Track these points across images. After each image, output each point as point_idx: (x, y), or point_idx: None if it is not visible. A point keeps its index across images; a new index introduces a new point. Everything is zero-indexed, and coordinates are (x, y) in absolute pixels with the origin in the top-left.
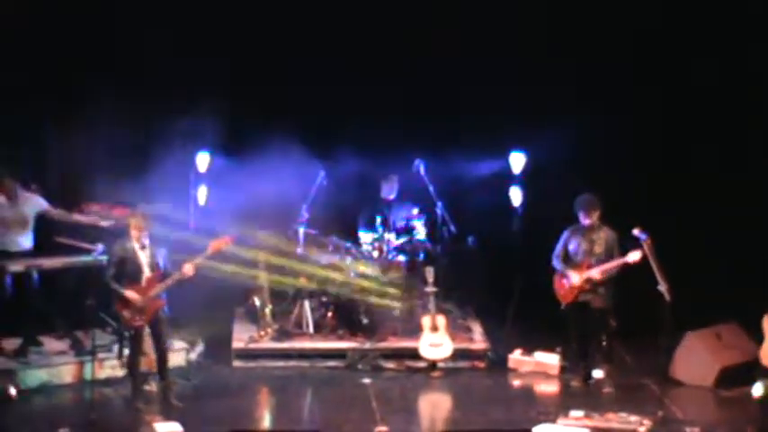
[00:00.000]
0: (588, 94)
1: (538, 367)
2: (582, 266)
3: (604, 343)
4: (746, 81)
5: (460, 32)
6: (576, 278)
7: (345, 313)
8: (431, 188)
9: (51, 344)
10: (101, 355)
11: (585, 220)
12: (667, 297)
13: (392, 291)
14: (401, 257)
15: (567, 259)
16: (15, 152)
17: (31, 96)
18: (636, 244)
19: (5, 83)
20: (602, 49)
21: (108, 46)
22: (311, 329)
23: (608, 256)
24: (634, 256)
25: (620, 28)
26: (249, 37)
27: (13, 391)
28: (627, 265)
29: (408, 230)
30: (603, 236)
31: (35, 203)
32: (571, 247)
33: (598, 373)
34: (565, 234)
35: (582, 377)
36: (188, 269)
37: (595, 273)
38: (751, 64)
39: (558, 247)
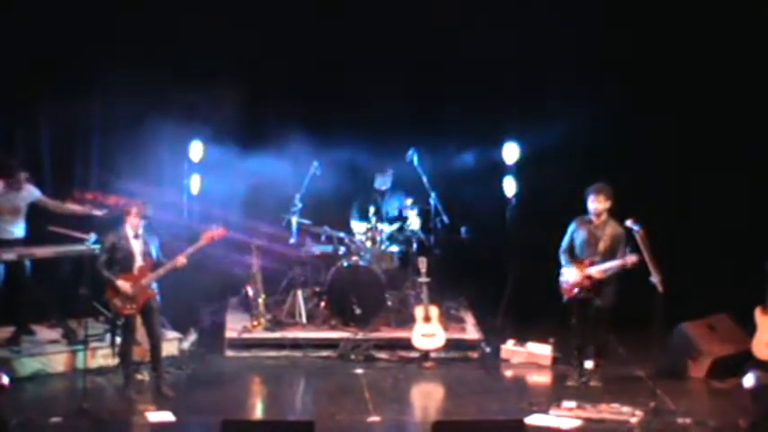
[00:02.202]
0: (582, 85)
1: (530, 358)
2: (584, 263)
3: (599, 340)
4: (746, 76)
5: (456, 25)
6: (574, 274)
7: (338, 303)
8: (424, 178)
9: (44, 333)
10: (93, 345)
11: (595, 204)
12: (660, 288)
13: None
14: (394, 248)
15: (572, 252)
16: (8, 140)
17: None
18: (629, 235)
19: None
20: (598, 37)
21: (107, 32)
22: (304, 319)
23: (612, 254)
24: (632, 259)
25: (619, 16)
26: (246, 27)
27: (5, 379)
28: (625, 267)
29: (401, 221)
30: (609, 232)
31: (28, 193)
32: (577, 240)
33: (588, 364)
34: (572, 226)
35: (577, 375)
36: (181, 260)
37: (594, 271)
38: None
39: (565, 241)
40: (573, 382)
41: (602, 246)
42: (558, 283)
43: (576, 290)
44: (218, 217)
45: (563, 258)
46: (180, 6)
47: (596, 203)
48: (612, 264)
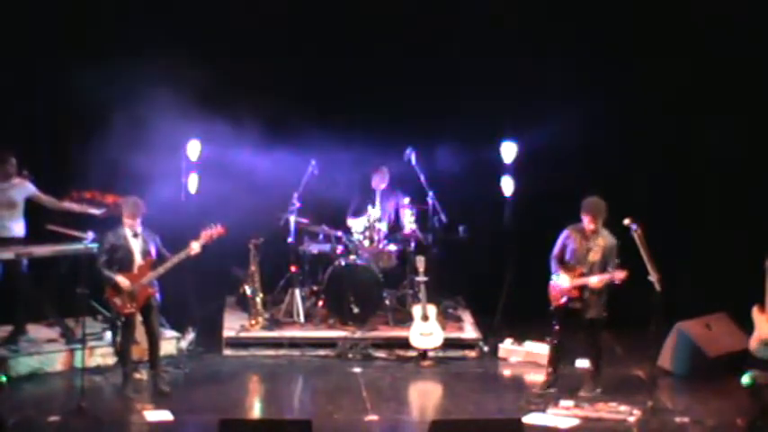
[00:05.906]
0: (580, 83)
1: (528, 357)
2: (575, 272)
3: (596, 350)
4: (746, 74)
5: (454, 25)
6: (566, 282)
7: (336, 302)
8: (422, 177)
9: (42, 332)
10: (91, 343)
11: (590, 225)
12: (658, 287)
13: None
14: (392, 247)
15: (563, 260)
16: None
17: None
18: (627, 235)
19: None
20: (595, 35)
21: (107, 25)
22: (302, 318)
23: (602, 266)
24: (620, 275)
25: (617, 14)
26: (240, 24)
27: (2, 378)
28: (613, 282)
29: (399, 220)
30: (602, 243)
31: (24, 188)
32: (569, 248)
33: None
34: (564, 233)
35: (547, 383)
36: (194, 247)
37: (594, 280)
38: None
39: (556, 249)
40: (540, 390)
41: (592, 256)
42: (548, 290)
43: (564, 299)
44: (216, 216)
45: (553, 265)
46: (177, 4)
47: (591, 224)
48: (601, 278)
